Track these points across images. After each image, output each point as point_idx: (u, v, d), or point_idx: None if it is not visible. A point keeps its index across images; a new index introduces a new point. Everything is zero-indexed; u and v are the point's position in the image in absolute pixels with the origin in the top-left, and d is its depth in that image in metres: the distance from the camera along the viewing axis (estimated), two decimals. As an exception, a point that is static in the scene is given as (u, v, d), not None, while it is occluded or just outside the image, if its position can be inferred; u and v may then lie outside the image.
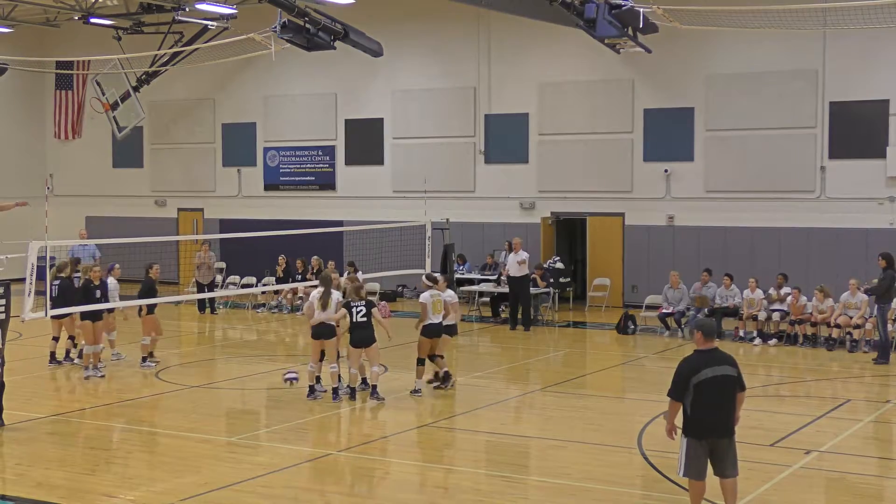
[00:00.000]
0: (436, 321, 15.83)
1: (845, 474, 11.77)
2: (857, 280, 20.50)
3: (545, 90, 27.19)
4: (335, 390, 15.23)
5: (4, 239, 16.71)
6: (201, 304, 26.11)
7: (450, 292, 16.64)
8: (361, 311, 15.08)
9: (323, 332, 15.28)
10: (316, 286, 16.14)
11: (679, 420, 9.54)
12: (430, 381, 16.16)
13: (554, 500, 10.73)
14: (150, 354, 18.24)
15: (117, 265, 19.75)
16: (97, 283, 17.12)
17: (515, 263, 22.95)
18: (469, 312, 25.17)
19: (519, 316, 23.12)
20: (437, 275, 16.85)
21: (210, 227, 31.36)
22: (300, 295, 25.76)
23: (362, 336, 15.09)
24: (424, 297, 15.94)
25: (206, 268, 25.99)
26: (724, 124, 25.17)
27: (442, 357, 16.10)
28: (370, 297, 16.40)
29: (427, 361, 15.93)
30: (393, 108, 29.20)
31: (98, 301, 16.92)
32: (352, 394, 15.36)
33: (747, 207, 24.85)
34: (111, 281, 18.57)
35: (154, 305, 18.27)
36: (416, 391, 15.69)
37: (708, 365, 9.33)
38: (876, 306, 18.99)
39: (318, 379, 15.44)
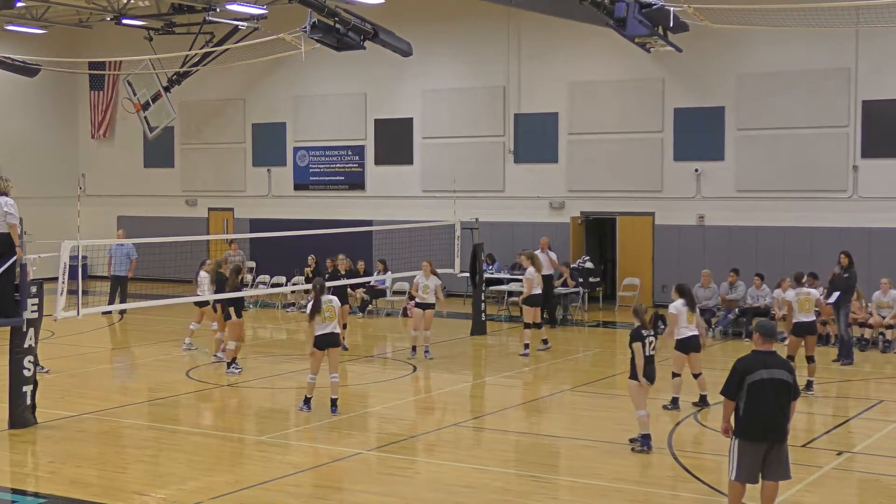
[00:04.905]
0: (807, 319, 15.00)
1: (878, 475, 11.68)
2: (888, 280, 20.33)
3: (575, 89, 27.12)
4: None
5: (37, 238, 16.81)
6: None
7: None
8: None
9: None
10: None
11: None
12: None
13: (584, 501, 10.71)
14: (234, 360, 17.57)
15: (208, 260, 20.15)
16: None
17: (547, 262, 23.03)
18: (498, 312, 25.16)
19: (545, 315, 23.11)
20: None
21: (240, 227, 31.51)
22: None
23: None
24: (790, 294, 15.00)
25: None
26: (755, 123, 25.00)
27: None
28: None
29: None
30: (422, 108, 29.22)
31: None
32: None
33: (779, 207, 24.68)
34: (202, 274, 19.09)
35: (242, 309, 18.04)
36: None
37: (764, 366, 9.20)
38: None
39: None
